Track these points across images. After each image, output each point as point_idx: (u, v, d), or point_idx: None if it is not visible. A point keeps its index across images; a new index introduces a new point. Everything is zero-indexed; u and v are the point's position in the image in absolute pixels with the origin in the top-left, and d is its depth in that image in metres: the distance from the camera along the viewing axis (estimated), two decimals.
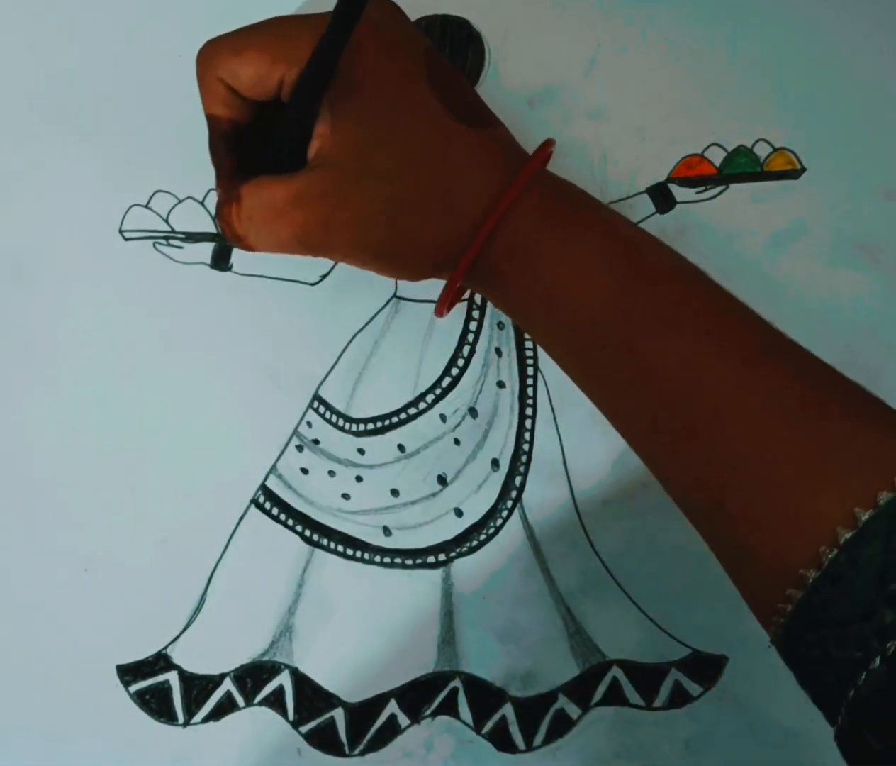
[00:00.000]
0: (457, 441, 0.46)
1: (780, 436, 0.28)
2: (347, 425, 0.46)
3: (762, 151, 0.46)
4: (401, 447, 0.46)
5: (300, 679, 0.45)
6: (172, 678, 0.45)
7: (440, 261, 0.33)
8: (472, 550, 0.45)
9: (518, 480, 0.45)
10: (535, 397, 0.46)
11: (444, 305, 0.35)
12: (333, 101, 0.31)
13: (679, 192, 0.46)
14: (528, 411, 0.46)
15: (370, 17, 0.30)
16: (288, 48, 0.32)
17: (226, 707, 0.45)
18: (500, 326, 0.47)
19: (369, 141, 0.31)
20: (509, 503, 0.45)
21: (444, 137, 0.32)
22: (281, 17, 0.33)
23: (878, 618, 0.25)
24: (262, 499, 0.46)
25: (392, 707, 0.44)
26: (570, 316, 0.32)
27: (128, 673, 0.45)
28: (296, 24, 0.32)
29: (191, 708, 0.44)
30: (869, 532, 0.26)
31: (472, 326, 0.46)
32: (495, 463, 0.46)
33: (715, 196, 0.46)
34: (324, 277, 0.47)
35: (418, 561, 0.45)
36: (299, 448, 0.46)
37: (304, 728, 0.44)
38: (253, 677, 0.45)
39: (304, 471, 0.46)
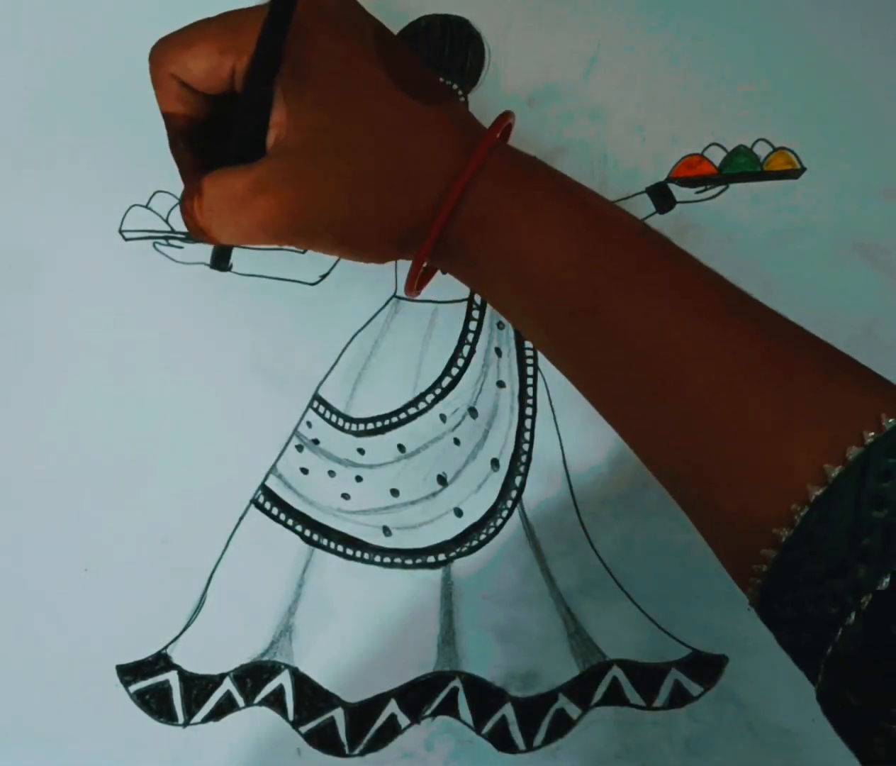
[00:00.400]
0: (457, 441, 0.46)
1: (747, 393, 0.28)
2: (347, 425, 0.46)
3: (762, 150, 0.46)
4: (401, 447, 0.46)
5: (300, 679, 0.45)
6: (172, 677, 0.45)
7: (405, 238, 0.33)
8: (472, 550, 0.45)
9: (518, 480, 0.45)
10: (535, 397, 0.46)
11: (413, 283, 0.35)
12: (286, 89, 0.32)
13: (679, 192, 0.46)
14: (528, 411, 0.46)
15: (317, 1, 0.31)
16: (235, 38, 0.32)
17: (226, 707, 0.45)
18: (500, 325, 0.47)
19: (323, 122, 0.32)
20: (509, 503, 0.45)
21: (398, 112, 0.32)
22: (229, 11, 0.33)
23: (852, 573, 0.25)
24: (262, 499, 0.46)
25: (392, 707, 0.44)
26: (535, 283, 0.32)
27: (128, 673, 0.45)
28: (242, 13, 0.33)
29: (191, 708, 0.45)
30: (839, 488, 0.26)
31: (472, 326, 0.46)
32: (495, 463, 0.46)
33: (715, 196, 0.46)
34: (324, 276, 0.47)
35: (418, 561, 0.45)
36: (299, 448, 0.46)
37: (304, 728, 0.44)
38: (253, 677, 0.45)
39: (304, 471, 0.46)
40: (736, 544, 0.29)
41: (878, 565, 0.25)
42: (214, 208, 0.32)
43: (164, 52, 0.33)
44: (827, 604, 0.26)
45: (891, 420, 0.26)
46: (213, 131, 0.35)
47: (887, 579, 0.25)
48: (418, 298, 0.46)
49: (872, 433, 0.26)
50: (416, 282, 0.35)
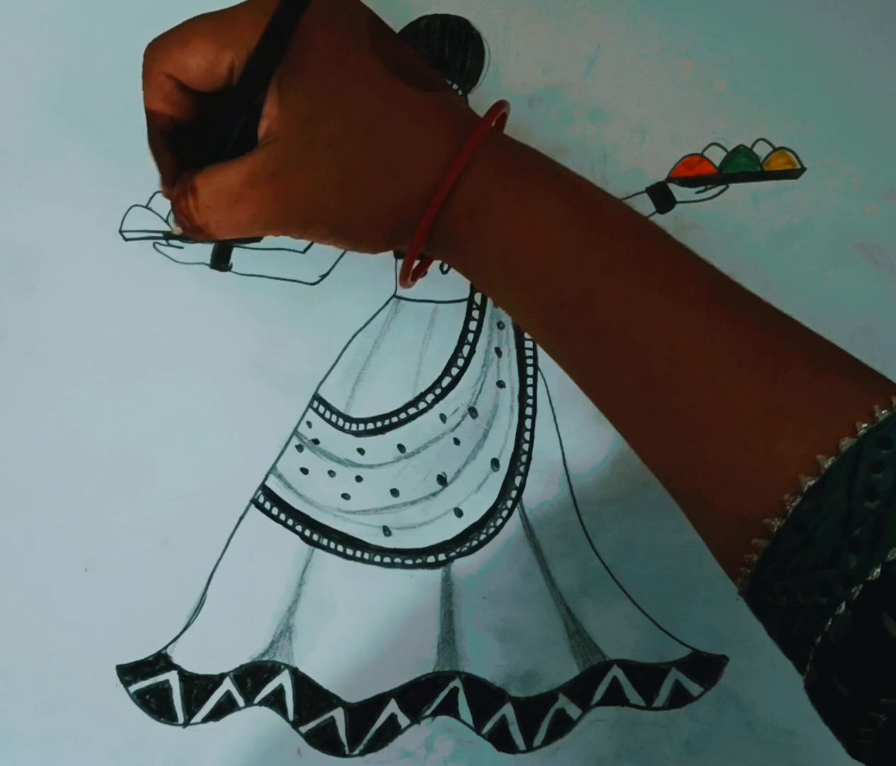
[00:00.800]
0: (457, 441, 0.46)
1: (738, 384, 0.28)
2: (347, 425, 0.46)
3: (762, 150, 0.46)
4: (401, 447, 0.46)
5: (300, 679, 0.45)
6: (172, 677, 0.45)
7: (397, 228, 0.33)
8: (472, 550, 0.45)
9: (518, 480, 0.45)
10: (535, 397, 0.46)
11: (407, 274, 0.35)
12: (279, 80, 0.32)
13: (679, 192, 0.46)
14: (528, 411, 0.46)
15: None
16: (234, 33, 0.32)
17: (226, 707, 0.45)
18: (500, 325, 0.47)
19: (315, 112, 0.32)
20: (509, 503, 0.45)
21: (391, 100, 0.32)
22: (224, 8, 0.33)
23: (843, 564, 0.25)
24: (262, 499, 0.46)
25: (392, 707, 0.44)
26: (528, 272, 0.32)
27: (128, 673, 0.45)
28: (240, 9, 0.33)
29: (191, 708, 0.44)
30: (831, 479, 0.26)
31: (472, 325, 0.46)
32: (495, 463, 0.46)
33: (715, 196, 0.46)
34: (324, 276, 0.47)
35: (418, 561, 0.45)
36: (299, 448, 0.46)
37: (304, 728, 0.44)
38: (253, 677, 0.45)
39: (304, 471, 0.46)
40: (727, 533, 0.29)
41: (870, 556, 0.25)
42: (211, 205, 0.32)
43: (160, 50, 0.33)
44: (818, 594, 0.26)
45: (884, 411, 0.26)
46: (191, 133, 0.35)
47: (878, 570, 0.25)
48: (419, 297, 0.46)
49: (865, 425, 0.26)
50: (411, 273, 0.35)
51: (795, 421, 0.27)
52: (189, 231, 0.34)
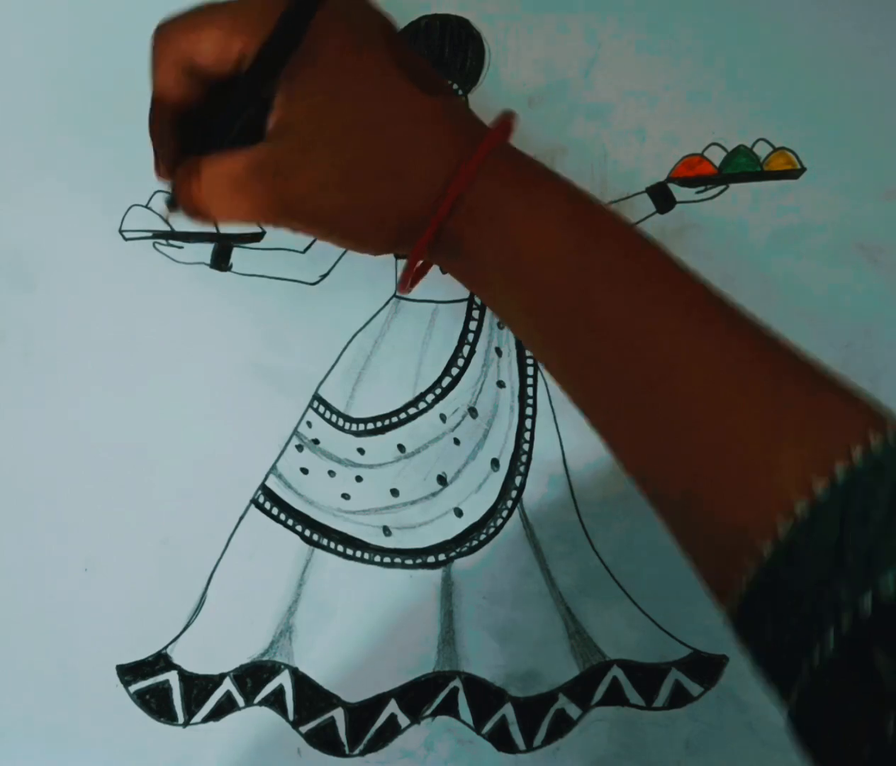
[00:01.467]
0: (457, 441, 0.46)
1: (737, 393, 0.28)
2: (347, 425, 0.46)
3: (762, 150, 0.46)
4: (401, 447, 0.46)
5: (300, 679, 0.45)
6: (172, 677, 0.45)
7: (401, 229, 0.34)
8: (472, 550, 0.45)
9: (518, 480, 0.45)
10: (535, 397, 0.46)
11: (407, 279, 0.35)
12: (291, 73, 0.32)
13: (679, 192, 0.46)
14: (528, 411, 0.46)
15: None
16: (247, 20, 0.32)
17: (226, 707, 0.45)
18: (501, 325, 0.47)
19: (326, 108, 0.32)
20: (509, 503, 0.45)
21: (401, 102, 0.32)
22: None
23: (834, 592, 0.25)
24: (262, 499, 0.46)
25: (392, 707, 0.44)
26: (529, 276, 0.32)
27: (128, 673, 0.45)
28: None
29: (191, 708, 0.44)
30: (825, 505, 0.26)
31: (472, 326, 0.46)
32: (495, 463, 0.46)
33: (715, 196, 0.46)
34: (324, 276, 0.47)
35: (418, 561, 0.45)
36: (299, 448, 0.46)
37: (304, 728, 0.44)
38: (253, 677, 0.45)
39: (304, 471, 0.46)
40: (717, 554, 0.29)
41: (860, 583, 0.25)
42: (214, 189, 0.32)
43: (171, 33, 0.33)
44: (807, 621, 0.26)
45: (878, 436, 0.26)
46: (193, 121, 0.35)
47: (869, 598, 0.25)
48: (419, 297, 0.46)
49: (860, 449, 0.26)
50: (411, 277, 0.35)
51: (792, 437, 0.27)
52: (187, 212, 0.34)
